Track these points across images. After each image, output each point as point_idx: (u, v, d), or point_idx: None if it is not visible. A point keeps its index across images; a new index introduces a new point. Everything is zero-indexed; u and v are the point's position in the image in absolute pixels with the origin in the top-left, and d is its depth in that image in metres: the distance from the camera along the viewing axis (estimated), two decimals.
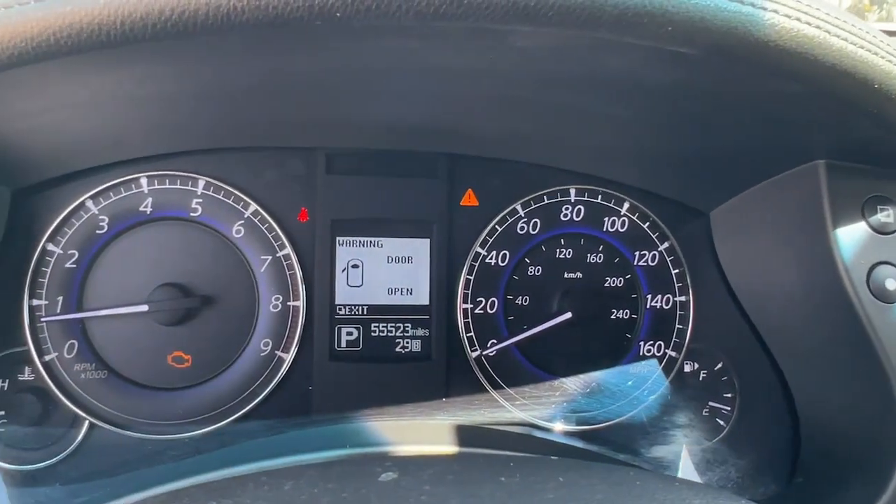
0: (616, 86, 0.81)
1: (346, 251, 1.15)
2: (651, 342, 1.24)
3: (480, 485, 0.60)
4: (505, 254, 1.20)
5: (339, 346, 1.15)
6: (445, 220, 1.17)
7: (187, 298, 1.08)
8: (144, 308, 1.06)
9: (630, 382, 1.21)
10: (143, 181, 1.09)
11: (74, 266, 1.07)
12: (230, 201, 1.12)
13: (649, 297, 1.24)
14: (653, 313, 1.24)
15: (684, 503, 0.56)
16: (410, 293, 1.17)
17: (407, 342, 1.17)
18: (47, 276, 1.06)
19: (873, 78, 0.68)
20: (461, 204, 1.19)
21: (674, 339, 1.24)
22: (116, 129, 1.01)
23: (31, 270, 1.05)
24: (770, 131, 0.91)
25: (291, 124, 1.09)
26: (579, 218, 1.22)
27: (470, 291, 1.18)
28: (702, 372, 1.24)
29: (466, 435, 1.03)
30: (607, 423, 1.19)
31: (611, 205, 1.23)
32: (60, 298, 1.06)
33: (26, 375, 1.05)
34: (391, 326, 1.16)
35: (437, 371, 1.16)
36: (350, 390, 1.13)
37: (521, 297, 1.21)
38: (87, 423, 1.06)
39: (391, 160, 1.16)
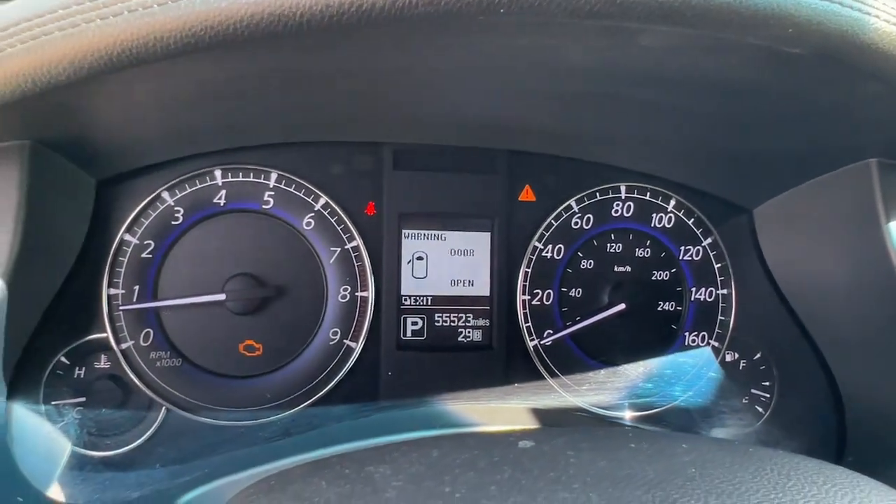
0: (702, 83, 0.86)
1: (412, 244, 1.19)
2: (696, 333, 1.30)
3: (615, 451, 0.64)
4: (560, 247, 1.25)
5: (405, 335, 1.18)
6: (505, 214, 1.22)
7: (262, 288, 1.11)
8: (222, 297, 1.09)
9: (679, 370, 1.26)
10: (218, 174, 1.12)
11: (150, 256, 1.09)
12: (301, 194, 1.15)
13: (694, 289, 1.30)
14: (697, 305, 1.30)
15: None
16: (472, 284, 1.21)
17: (469, 332, 1.21)
18: (124, 265, 1.07)
19: None
20: (519, 199, 1.24)
21: (717, 329, 1.30)
22: (193, 124, 1.03)
23: (109, 260, 1.07)
24: (828, 131, 0.97)
25: (361, 120, 1.12)
26: (629, 214, 1.28)
27: (528, 283, 1.23)
28: (741, 361, 1.31)
29: (548, 417, 1.07)
30: (660, 409, 1.25)
31: (658, 201, 1.29)
32: (137, 288, 1.08)
33: (102, 363, 1.07)
34: (454, 316, 1.20)
35: (498, 360, 1.21)
36: (415, 378, 1.17)
37: (574, 290, 1.26)
38: (163, 409, 1.08)
39: (454, 156, 1.20)
